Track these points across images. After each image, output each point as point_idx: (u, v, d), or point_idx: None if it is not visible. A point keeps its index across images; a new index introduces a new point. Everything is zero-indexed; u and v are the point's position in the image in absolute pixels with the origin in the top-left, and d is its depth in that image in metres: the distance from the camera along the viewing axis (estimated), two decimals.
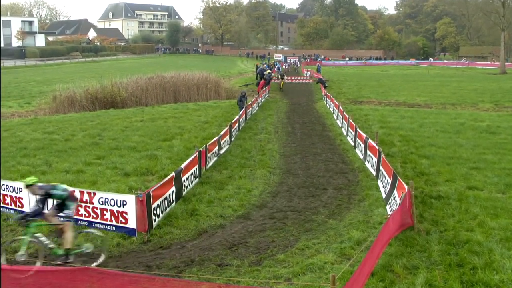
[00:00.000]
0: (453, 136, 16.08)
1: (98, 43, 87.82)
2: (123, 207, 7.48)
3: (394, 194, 8.42)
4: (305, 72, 47.68)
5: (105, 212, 7.56)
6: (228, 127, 14.94)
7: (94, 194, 7.66)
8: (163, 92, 31.07)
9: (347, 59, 77.85)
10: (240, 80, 44.06)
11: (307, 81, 40.00)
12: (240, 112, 18.98)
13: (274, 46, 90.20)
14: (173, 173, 8.95)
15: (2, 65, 49.26)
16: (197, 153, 10.69)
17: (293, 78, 40.98)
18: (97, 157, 12.73)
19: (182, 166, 9.60)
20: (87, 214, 7.70)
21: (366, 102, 27.43)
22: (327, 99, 26.50)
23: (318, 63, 50.87)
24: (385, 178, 9.64)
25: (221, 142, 13.63)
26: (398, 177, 8.47)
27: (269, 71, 36.15)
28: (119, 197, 7.54)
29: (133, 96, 29.17)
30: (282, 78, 35.08)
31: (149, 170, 11.53)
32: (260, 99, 26.80)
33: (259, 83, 31.03)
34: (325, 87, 32.74)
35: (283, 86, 33.81)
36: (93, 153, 13.27)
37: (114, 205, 7.52)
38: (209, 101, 29.62)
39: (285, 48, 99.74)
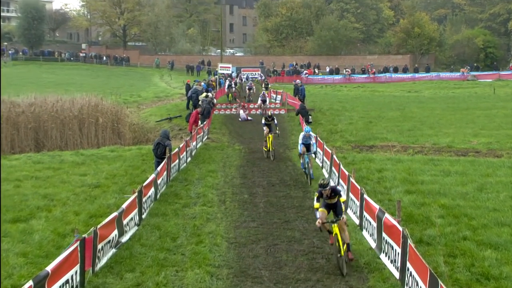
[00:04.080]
0: None
1: None
2: None
3: None
4: (274, 95, 49.06)
5: None
6: (136, 194, 14.99)
7: None
8: (14, 132, 30.70)
9: (346, 71, 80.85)
10: (158, 110, 44.70)
11: (277, 111, 41.15)
12: (159, 168, 19.16)
13: (218, 50, 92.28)
14: (30, 283, 8.83)
15: None
16: (78, 243, 10.62)
17: (251, 106, 42.13)
18: None
19: (49, 268, 9.48)
20: None
21: (380, 148, 28.60)
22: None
23: (296, 80, 52.28)
24: (417, 284, 9.92)
25: (124, 222, 13.60)
26: (440, 283, 8.72)
27: (208, 94, 37.02)
28: None
29: None
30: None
31: None
32: (194, 143, 27.19)
33: (191, 114, 31.57)
34: (308, 122, 33.82)
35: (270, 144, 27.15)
36: None
37: None
38: (102, 148, 29.75)
39: (238, 54, 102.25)
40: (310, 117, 36.14)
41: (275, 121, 27.17)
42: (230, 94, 47.50)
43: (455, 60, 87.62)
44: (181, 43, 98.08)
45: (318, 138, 25.90)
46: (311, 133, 22.79)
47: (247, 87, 50.89)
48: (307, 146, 22.27)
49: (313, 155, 23.73)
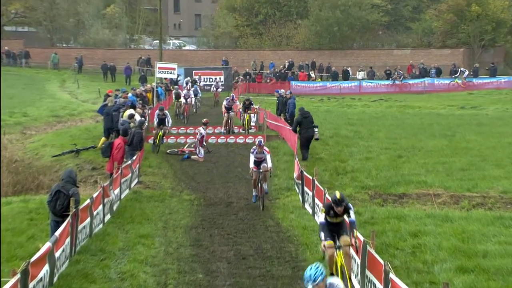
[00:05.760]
0: None
1: None
2: None
3: None
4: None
5: None
6: (18, 276, 14.85)
7: None
8: None
9: (361, 75, 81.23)
10: (57, 138, 44.45)
11: (250, 139, 42.15)
12: (58, 232, 18.92)
13: (156, 41, 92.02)
14: None
15: None
16: None
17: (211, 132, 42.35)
18: None
19: None
20: None
21: (415, 198, 28.74)
22: (307, 189, 27.40)
23: (280, 90, 51.92)
24: None
25: None
26: None
27: (132, 113, 36.65)
28: None
29: None
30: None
31: None
32: (117, 191, 27.06)
33: (112, 145, 31.44)
34: (306, 147, 33.97)
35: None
36: None
37: None
38: None
39: (188, 47, 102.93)
40: (316, 131, 36.11)
41: (351, 214, 18.52)
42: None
43: None
44: (95, 29, 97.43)
45: (316, 181, 25.90)
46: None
47: (224, 105, 47.43)
48: None
49: None
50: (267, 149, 30.03)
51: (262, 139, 31.03)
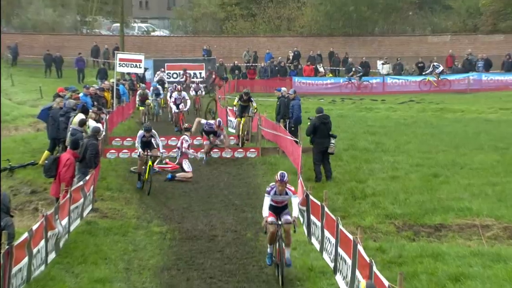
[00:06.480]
0: None
1: None
2: None
3: None
4: (233, 119, 49.46)
5: None
6: None
7: None
8: None
9: (386, 68, 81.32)
10: None
11: (239, 153, 42.69)
12: None
13: (116, 25, 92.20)
14: None
15: None
16: None
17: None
18: None
19: None
20: None
21: (457, 230, 28.65)
22: (315, 219, 27.61)
23: (282, 89, 51.71)
24: None
25: None
26: None
27: (82, 118, 36.41)
28: None
29: None
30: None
31: None
32: (64, 221, 26.90)
33: (59, 160, 31.38)
34: (320, 178, 34.10)
35: None
36: None
37: None
38: None
39: (158, 32, 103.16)
40: (333, 142, 35.95)
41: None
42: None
43: None
44: (35, 8, 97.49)
45: (326, 210, 25.80)
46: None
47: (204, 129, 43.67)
48: None
49: None
50: (292, 188, 25.82)
51: (285, 173, 25.40)
